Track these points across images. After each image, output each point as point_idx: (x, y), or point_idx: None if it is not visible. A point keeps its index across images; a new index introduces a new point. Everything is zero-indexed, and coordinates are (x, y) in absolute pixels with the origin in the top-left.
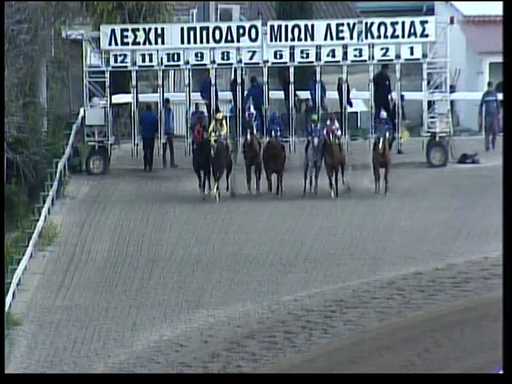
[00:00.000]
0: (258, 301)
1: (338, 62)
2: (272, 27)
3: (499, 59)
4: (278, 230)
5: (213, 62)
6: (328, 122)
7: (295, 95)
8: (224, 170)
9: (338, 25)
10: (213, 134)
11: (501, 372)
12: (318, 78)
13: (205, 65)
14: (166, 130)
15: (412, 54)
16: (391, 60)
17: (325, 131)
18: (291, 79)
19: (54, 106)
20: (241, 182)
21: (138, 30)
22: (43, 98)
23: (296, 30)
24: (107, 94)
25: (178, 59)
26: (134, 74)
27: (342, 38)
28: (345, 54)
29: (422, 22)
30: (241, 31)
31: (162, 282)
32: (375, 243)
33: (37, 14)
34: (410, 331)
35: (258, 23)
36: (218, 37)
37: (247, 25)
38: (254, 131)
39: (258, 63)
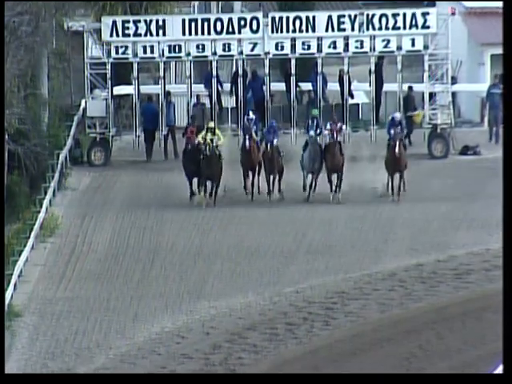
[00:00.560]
0: (260, 292)
1: (340, 53)
2: (273, 19)
3: (501, 51)
4: (279, 222)
5: (214, 53)
6: (330, 125)
7: (297, 87)
8: (216, 176)
9: (339, 16)
10: (207, 138)
11: (500, 365)
12: (319, 69)
13: (206, 56)
14: (167, 122)
15: (413, 45)
16: (392, 52)
17: (326, 132)
18: (292, 71)
19: (55, 97)
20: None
21: (140, 21)
22: (44, 90)
23: (297, 22)
24: (108, 85)
25: (180, 51)
26: (135, 66)
27: (344, 30)
28: (346, 45)
29: (424, 14)
30: (242, 23)
31: (163, 273)
32: (377, 235)
33: (38, 5)
34: (411, 323)
35: (260, 15)
36: (219, 28)
37: (248, 16)
38: (254, 136)
39: (260, 55)
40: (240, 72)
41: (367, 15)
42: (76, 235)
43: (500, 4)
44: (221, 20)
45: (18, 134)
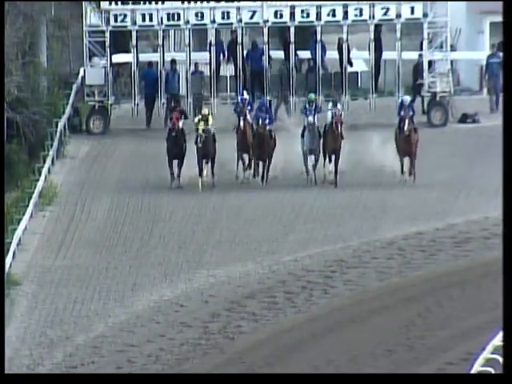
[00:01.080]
0: (259, 261)
1: (339, 21)
2: None
3: (500, 19)
4: (277, 191)
5: (213, 21)
6: (332, 110)
7: (296, 55)
8: (209, 159)
9: None
10: (201, 124)
11: (500, 333)
12: (318, 37)
13: (205, 24)
14: (170, 91)
15: (412, 13)
16: (391, 20)
17: (329, 119)
18: (291, 39)
19: (53, 65)
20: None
21: None
22: (43, 58)
23: None
24: (107, 53)
25: (178, 19)
26: (134, 34)
27: None
28: (345, 13)
29: None
30: None
31: (162, 242)
32: (375, 203)
33: None
34: (410, 291)
35: None
36: None
37: None
38: (248, 117)
39: (259, 23)
40: (239, 40)
41: None
42: (75, 203)
43: None
44: None
45: (16, 102)
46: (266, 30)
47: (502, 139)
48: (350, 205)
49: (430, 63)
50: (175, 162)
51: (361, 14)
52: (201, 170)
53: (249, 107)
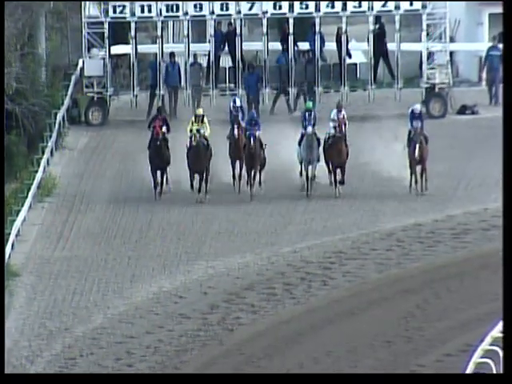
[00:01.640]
0: (258, 252)
1: (338, 12)
2: None
3: (499, 10)
4: (276, 182)
5: (212, 12)
6: (336, 113)
7: (296, 46)
8: (202, 169)
9: None
10: (194, 129)
11: (500, 323)
12: (317, 29)
13: (204, 16)
14: (171, 83)
15: (411, 4)
16: (390, 11)
17: (331, 124)
18: (290, 30)
19: (52, 56)
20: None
21: None
22: (42, 49)
23: None
24: (106, 44)
25: (177, 10)
26: (133, 25)
27: None
28: (344, 4)
29: None
30: None
31: (161, 234)
32: (375, 194)
33: None
34: (409, 282)
35: None
36: None
37: None
38: (241, 124)
39: (257, 14)
40: (238, 31)
41: None
42: (74, 195)
43: None
44: None
45: (15, 93)
46: (264, 22)
47: (501, 130)
48: (349, 196)
49: (429, 55)
50: (158, 173)
51: (360, 6)
52: (191, 183)
53: (241, 114)
